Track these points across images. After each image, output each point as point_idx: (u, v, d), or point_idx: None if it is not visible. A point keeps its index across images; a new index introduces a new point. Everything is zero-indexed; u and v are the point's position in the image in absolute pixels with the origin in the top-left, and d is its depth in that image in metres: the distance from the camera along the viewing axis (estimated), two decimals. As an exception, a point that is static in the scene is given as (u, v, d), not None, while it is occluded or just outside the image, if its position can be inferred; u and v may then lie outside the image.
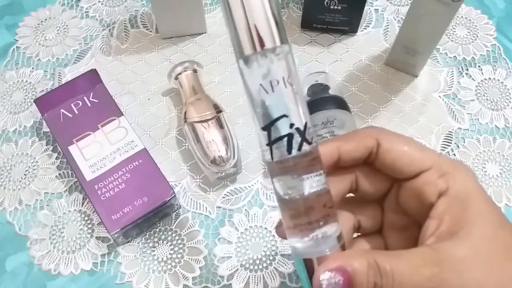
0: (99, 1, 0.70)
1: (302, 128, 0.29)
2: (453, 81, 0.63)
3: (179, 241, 0.53)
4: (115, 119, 0.56)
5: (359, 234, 0.38)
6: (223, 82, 0.63)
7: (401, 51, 0.60)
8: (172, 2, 0.61)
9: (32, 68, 0.65)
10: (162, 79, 0.63)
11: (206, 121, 0.54)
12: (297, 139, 0.29)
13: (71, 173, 0.56)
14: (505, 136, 0.59)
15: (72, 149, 0.54)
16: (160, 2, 0.61)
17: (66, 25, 0.68)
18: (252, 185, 0.56)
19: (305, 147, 0.29)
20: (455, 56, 0.65)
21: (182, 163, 0.57)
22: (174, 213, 0.54)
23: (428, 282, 0.28)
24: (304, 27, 0.67)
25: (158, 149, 0.58)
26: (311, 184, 0.30)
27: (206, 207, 0.55)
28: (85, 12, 0.70)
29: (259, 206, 0.55)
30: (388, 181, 0.35)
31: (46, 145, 0.59)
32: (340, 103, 0.55)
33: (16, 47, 0.67)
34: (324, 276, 0.28)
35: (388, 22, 0.68)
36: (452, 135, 0.59)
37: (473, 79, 0.64)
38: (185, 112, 0.56)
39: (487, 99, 0.62)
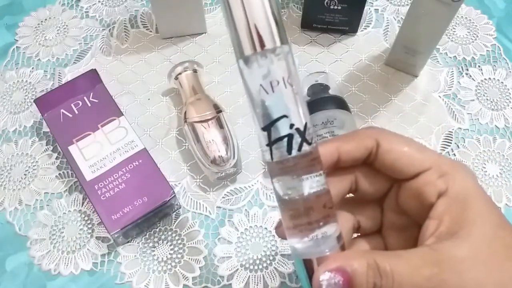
0: (99, 1, 0.70)
1: (302, 129, 0.29)
2: (453, 81, 0.63)
3: (179, 241, 0.53)
4: (115, 119, 0.56)
5: (359, 234, 0.38)
6: (223, 82, 0.63)
7: (401, 51, 0.60)
8: (172, 2, 0.61)
9: (32, 68, 0.65)
10: (162, 79, 0.63)
11: (206, 121, 0.54)
12: (297, 139, 0.29)
13: (71, 173, 0.56)
14: (505, 136, 0.59)
15: (72, 149, 0.54)
16: (160, 2, 0.61)
17: (66, 25, 0.69)
18: (252, 185, 0.56)
19: (305, 147, 0.29)
20: (455, 56, 0.65)
21: (182, 163, 0.57)
22: (174, 213, 0.54)
23: (427, 282, 0.28)
24: (304, 27, 0.67)
25: (158, 149, 0.58)
26: (311, 184, 0.30)
27: (206, 207, 0.55)
28: (85, 12, 0.70)
29: (259, 206, 0.55)
30: (388, 182, 0.35)
31: (46, 145, 0.59)
32: (340, 103, 0.55)
33: (16, 47, 0.67)
34: (324, 276, 0.28)
35: (388, 22, 0.68)
36: (452, 135, 0.59)
37: (473, 79, 0.64)
38: (185, 112, 0.56)
39: (487, 99, 0.62)
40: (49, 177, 0.57)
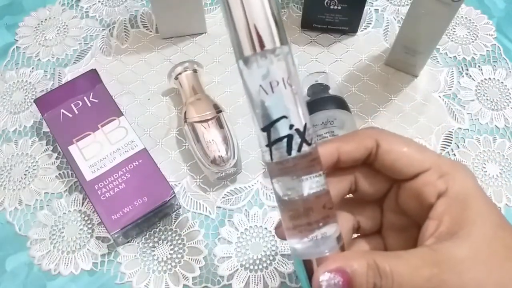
0: (99, 1, 0.70)
1: (301, 129, 0.29)
2: (453, 81, 0.63)
3: (179, 241, 0.53)
4: (115, 119, 0.56)
5: (359, 234, 0.38)
6: (223, 82, 0.63)
7: (401, 51, 0.60)
8: (172, 2, 0.61)
9: (32, 68, 0.65)
10: (162, 79, 0.63)
11: (206, 121, 0.54)
12: (296, 140, 0.29)
13: (71, 173, 0.56)
14: (505, 136, 0.59)
15: (72, 149, 0.54)
16: (160, 2, 0.61)
17: (66, 25, 0.69)
18: (252, 185, 0.56)
19: (305, 148, 0.29)
20: (455, 56, 0.65)
21: (182, 163, 0.58)
22: (174, 213, 0.54)
23: (427, 283, 0.28)
24: (304, 27, 0.67)
25: (158, 149, 0.58)
26: (311, 185, 0.30)
27: (206, 207, 0.55)
28: (85, 12, 0.70)
29: (259, 206, 0.55)
30: (388, 182, 0.35)
31: (46, 145, 0.59)
32: (340, 103, 0.55)
33: (16, 47, 0.67)
34: (324, 277, 0.28)
35: (388, 22, 0.68)
36: (452, 135, 0.59)
37: (473, 79, 0.64)
38: (185, 112, 0.56)
39: (487, 99, 0.62)
40: (49, 177, 0.57)
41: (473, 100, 0.62)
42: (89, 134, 0.55)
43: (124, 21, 0.69)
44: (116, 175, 0.52)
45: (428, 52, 0.59)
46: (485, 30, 0.68)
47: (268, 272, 0.51)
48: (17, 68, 0.65)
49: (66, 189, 0.56)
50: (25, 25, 0.68)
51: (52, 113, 0.56)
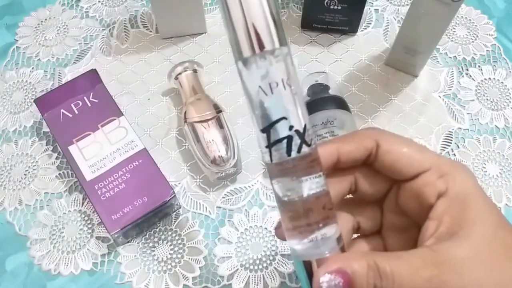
0: (99, 1, 0.70)
1: (301, 130, 0.29)
2: (453, 81, 0.63)
3: (179, 241, 0.53)
4: (115, 119, 0.56)
5: (358, 235, 0.38)
6: (223, 82, 0.63)
7: (401, 51, 0.60)
8: (172, 2, 0.61)
9: (32, 68, 0.65)
10: (162, 79, 0.63)
11: (206, 121, 0.54)
12: (296, 141, 0.29)
13: (71, 173, 0.56)
14: (505, 136, 0.59)
15: (72, 149, 0.54)
16: (160, 2, 0.61)
17: (66, 25, 0.69)
18: (252, 185, 0.56)
19: (304, 149, 0.29)
20: (455, 56, 0.65)
21: (182, 163, 0.58)
22: (174, 213, 0.54)
23: (427, 283, 0.28)
24: (304, 27, 0.67)
25: (158, 149, 0.58)
26: (310, 186, 0.30)
27: (206, 207, 0.55)
28: (85, 12, 0.70)
29: (259, 206, 0.55)
30: (388, 182, 0.35)
31: (46, 145, 0.59)
32: (340, 103, 0.55)
33: (16, 47, 0.67)
34: (324, 278, 0.28)
35: (388, 22, 0.68)
36: (452, 135, 0.59)
37: (473, 79, 0.64)
38: (185, 112, 0.56)
39: (487, 99, 0.62)
40: (49, 177, 0.57)
41: (473, 100, 0.62)
42: (89, 134, 0.55)
43: (124, 21, 0.69)
44: (116, 175, 0.52)
45: (428, 52, 0.59)
46: (485, 30, 0.68)
47: (268, 272, 0.51)
48: (17, 68, 0.65)
49: (66, 189, 0.56)
50: (25, 25, 0.68)
51: (52, 113, 0.56)
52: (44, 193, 0.56)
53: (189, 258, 0.52)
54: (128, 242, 0.53)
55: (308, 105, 0.55)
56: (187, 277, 0.51)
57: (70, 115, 0.56)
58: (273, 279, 0.51)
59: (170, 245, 0.53)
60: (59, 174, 0.57)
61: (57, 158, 0.58)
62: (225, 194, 0.56)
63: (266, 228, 0.53)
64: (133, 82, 0.63)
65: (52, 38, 0.67)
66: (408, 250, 0.30)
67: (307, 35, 0.67)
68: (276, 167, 0.30)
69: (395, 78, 0.63)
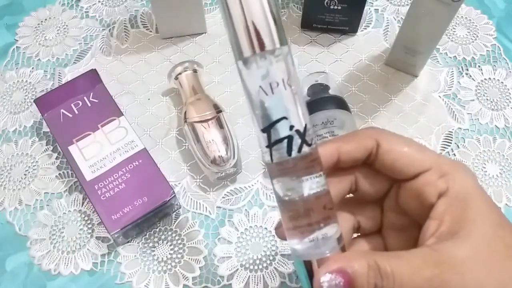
0: (99, 1, 0.70)
1: (302, 130, 0.29)
2: (453, 81, 0.63)
3: (179, 241, 0.53)
4: (115, 119, 0.56)
5: (359, 234, 0.38)
6: (223, 82, 0.63)
7: (401, 51, 0.60)
8: (172, 2, 0.61)
9: (32, 68, 0.65)
10: (162, 79, 0.63)
11: (206, 121, 0.54)
12: (297, 141, 0.29)
13: (71, 173, 0.56)
14: (505, 136, 0.59)
15: (72, 149, 0.54)
16: (160, 2, 0.61)
17: (66, 25, 0.68)
18: (252, 185, 0.56)
19: (305, 149, 0.29)
20: (455, 56, 0.65)
21: (182, 163, 0.57)
22: (174, 213, 0.54)
23: (428, 283, 0.28)
24: (304, 27, 0.67)
25: (158, 149, 0.58)
26: (311, 185, 0.30)
27: (206, 207, 0.55)
28: (85, 12, 0.70)
29: (259, 206, 0.55)
30: (388, 182, 0.35)
31: (46, 145, 0.59)
32: (340, 103, 0.55)
33: (16, 47, 0.67)
34: (325, 278, 0.28)
35: (388, 22, 0.68)
36: (452, 135, 0.59)
37: (473, 79, 0.64)
38: (185, 112, 0.56)
39: (487, 99, 0.62)
40: (49, 177, 0.57)
41: (473, 100, 0.62)
42: (89, 134, 0.55)
43: (124, 21, 0.69)
44: (116, 175, 0.52)
45: (428, 52, 0.59)
46: (485, 30, 0.68)
47: (268, 272, 0.51)
48: (17, 68, 0.65)
49: (66, 189, 0.56)
50: (25, 25, 0.68)
51: (52, 113, 0.56)
52: (44, 193, 0.56)
53: (189, 258, 0.52)
54: (128, 242, 0.53)
55: (308, 105, 0.55)
56: (187, 277, 0.51)
57: (70, 115, 0.56)
58: (273, 279, 0.51)
59: (170, 245, 0.53)
60: (59, 174, 0.57)
61: (57, 158, 0.58)
62: (225, 194, 0.56)
63: (266, 228, 0.53)
64: (133, 82, 0.63)
65: (52, 38, 0.67)
66: (408, 250, 0.30)
67: (307, 35, 0.67)
68: (277, 167, 0.30)
69: (395, 78, 0.63)
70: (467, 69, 0.64)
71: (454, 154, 0.58)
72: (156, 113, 0.61)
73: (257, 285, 0.51)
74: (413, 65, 0.61)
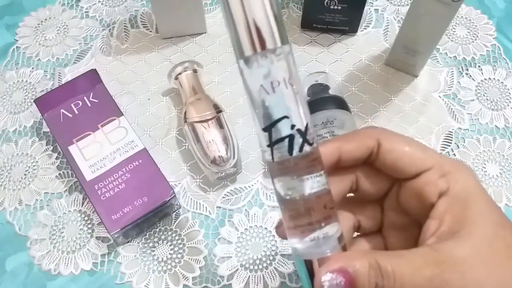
0: (99, 1, 0.70)
1: (303, 129, 0.29)
2: (453, 81, 0.63)
3: (179, 241, 0.53)
4: (115, 119, 0.56)
5: (359, 233, 0.38)
6: (223, 82, 0.63)
7: (401, 51, 0.60)
8: (172, 2, 0.61)
9: (32, 68, 0.65)
10: (162, 79, 0.63)
11: (206, 121, 0.54)
12: (298, 140, 0.29)
13: (71, 173, 0.56)
14: (505, 136, 0.59)
15: (72, 149, 0.54)
16: (160, 2, 0.61)
17: (66, 25, 0.68)
18: (252, 185, 0.56)
19: (306, 148, 0.29)
20: (455, 56, 0.65)
21: (182, 163, 0.57)
22: (174, 213, 0.54)
23: (429, 282, 0.28)
24: (304, 27, 0.67)
25: (158, 149, 0.58)
26: (312, 184, 0.30)
27: (206, 207, 0.55)
28: (85, 12, 0.70)
29: (259, 206, 0.55)
30: (389, 181, 0.35)
31: (46, 145, 0.59)
32: (340, 103, 0.55)
33: (16, 47, 0.67)
34: (326, 277, 0.28)
35: (388, 22, 0.68)
36: (452, 135, 0.59)
37: (473, 79, 0.64)
38: (185, 112, 0.56)
39: (487, 99, 0.62)
40: (49, 177, 0.57)
41: (473, 100, 0.62)
42: (89, 134, 0.55)
43: (124, 21, 0.68)
44: (116, 175, 0.52)
45: (428, 52, 0.59)
46: (485, 30, 0.68)
47: (268, 272, 0.51)
48: (17, 68, 0.65)
49: (66, 189, 0.56)
50: (25, 25, 0.68)
51: (52, 113, 0.56)
52: (44, 193, 0.56)
53: (189, 258, 0.52)
54: (128, 242, 0.53)
55: (308, 105, 0.54)
56: (187, 277, 0.51)
57: (70, 115, 0.56)
58: (273, 279, 0.51)
59: (170, 245, 0.53)
60: (59, 174, 0.57)
61: (57, 158, 0.58)
62: (225, 194, 0.56)
63: (266, 228, 0.53)
64: (133, 82, 0.63)
65: (52, 38, 0.67)
66: (409, 249, 0.30)
67: (307, 35, 0.67)
68: (278, 166, 0.30)
69: (395, 78, 0.63)
70: (467, 69, 0.64)
71: (454, 154, 0.58)
72: (156, 113, 0.61)
73: (257, 285, 0.51)
74: (413, 65, 0.61)
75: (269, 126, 0.29)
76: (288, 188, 0.30)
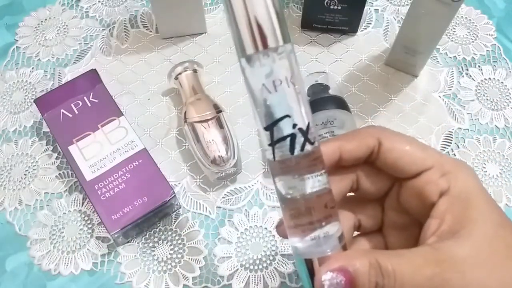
0: (99, 1, 0.70)
1: (304, 129, 0.29)
2: (453, 81, 0.63)
3: (179, 241, 0.53)
4: (115, 119, 0.56)
5: (359, 233, 0.38)
6: (223, 82, 0.63)
7: (401, 51, 0.60)
8: (172, 2, 0.61)
9: (32, 68, 0.65)
10: (162, 79, 0.63)
11: (206, 121, 0.54)
12: (299, 139, 0.29)
13: (71, 173, 0.56)
14: (505, 136, 0.59)
15: (72, 149, 0.54)
16: (160, 2, 0.61)
17: (66, 25, 0.68)
18: (252, 185, 0.56)
19: (308, 147, 0.29)
20: (455, 56, 0.65)
21: (182, 163, 0.57)
22: (174, 213, 0.54)
23: (429, 281, 0.28)
24: (304, 27, 0.67)
25: (158, 149, 0.58)
26: (313, 184, 0.30)
27: (206, 207, 0.55)
28: (85, 12, 0.70)
29: (259, 206, 0.55)
30: (389, 180, 0.35)
31: (46, 145, 0.59)
32: (340, 103, 0.55)
33: (16, 47, 0.67)
34: (326, 276, 0.28)
35: (388, 22, 0.68)
36: (452, 135, 0.59)
37: (473, 79, 0.64)
38: (185, 112, 0.56)
39: (487, 99, 0.62)
40: (49, 177, 0.57)
41: (473, 100, 0.62)
42: (89, 134, 0.55)
43: (124, 21, 0.68)
44: (116, 175, 0.52)
45: (428, 52, 0.59)
46: (485, 30, 0.68)
47: (268, 272, 0.51)
48: (17, 68, 0.65)
49: (66, 189, 0.56)
50: (25, 25, 0.68)
51: (52, 113, 0.56)
52: (44, 193, 0.56)
53: (189, 258, 0.52)
54: (128, 242, 0.53)
55: (308, 105, 0.55)
56: (187, 277, 0.51)
57: (70, 115, 0.56)
58: (273, 279, 0.51)
59: (170, 245, 0.53)
60: (59, 174, 0.57)
61: (57, 158, 0.58)
62: (225, 194, 0.56)
63: (266, 228, 0.53)
64: (133, 82, 0.63)
65: (52, 38, 0.67)
66: (409, 249, 0.30)
67: (307, 35, 0.67)
68: (279, 165, 0.30)
69: (395, 78, 0.63)
70: (467, 69, 0.64)
71: (454, 154, 0.58)
72: (156, 113, 0.61)
73: (257, 285, 0.51)
74: (413, 65, 0.61)
75: (271, 125, 0.29)
76: (289, 187, 0.30)
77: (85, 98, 0.57)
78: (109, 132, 0.55)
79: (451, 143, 0.59)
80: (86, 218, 0.54)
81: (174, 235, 0.53)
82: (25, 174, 0.57)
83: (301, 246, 0.31)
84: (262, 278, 0.51)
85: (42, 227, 0.54)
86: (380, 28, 0.68)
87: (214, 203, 0.55)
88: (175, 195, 0.51)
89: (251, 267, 0.51)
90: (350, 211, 0.37)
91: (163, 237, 0.53)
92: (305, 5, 0.64)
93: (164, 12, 0.62)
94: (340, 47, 0.66)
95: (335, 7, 0.62)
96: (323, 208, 0.30)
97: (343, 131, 0.52)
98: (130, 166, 0.53)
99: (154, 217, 0.52)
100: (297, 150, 0.29)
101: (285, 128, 0.29)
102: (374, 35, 0.67)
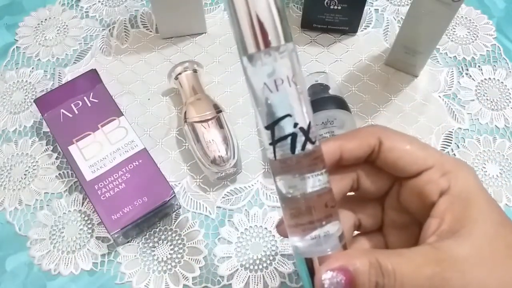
0: (99, 1, 0.70)
1: (306, 128, 0.29)
2: (453, 81, 0.63)
3: (179, 241, 0.53)
4: (115, 119, 0.56)
5: (359, 232, 0.38)
6: (223, 82, 0.63)
7: (401, 51, 0.60)
8: (172, 2, 0.61)
9: (32, 68, 0.65)
10: (162, 79, 0.63)
11: (206, 121, 0.54)
12: (300, 138, 0.29)
13: (71, 173, 0.56)
14: (505, 136, 0.59)
15: (72, 149, 0.54)
16: (160, 2, 0.61)
17: (66, 25, 0.68)
18: (252, 185, 0.56)
19: (309, 146, 0.29)
20: (455, 56, 0.65)
21: (182, 163, 0.57)
22: (174, 213, 0.54)
23: (429, 281, 0.28)
24: (304, 27, 0.67)
25: (158, 149, 0.58)
26: (313, 183, 0.30)
27: (206, 207, 0.55)
28: (85, 12, 0.70)
29: (259, 206, 0.55)
30: (390, 180, 0.35)
31: (46, 145, 0.59)
32: (340, 103, 0.55)
33: (16, 47, 0.67)
34: (326, 275, 0.28)
35: (388, 22, 0.68)
36: (452, 135, 0.59)
37: (473, 79, 0.64)
38: (185, 112, 0.56)
39: (487, 99, 0.62)
40: (49, 177, 0.57)
41: (473, 100, 0.62)
42: (89, 134, 0.55)
43: (124, 21, 0.68)
44: (116, 175, 0.52)
45: (428, 52, 0.59)
46: (485, 30, 0.68)
47: (268, 272, 0.51)
48: (17, 68, 0.65)
49: (66, 189, 0.56)
50: (25, 25, 0.68)
51: (52, 113, 0.56)
52: (44, 193, 0.56)
53: (189, 258, 0.52)
54: (128, 242, 0.53)
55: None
56: (187, 277, 0.51)
57: (70, 115, 0.56)
58: (273, 279, 0.51)
59: (170, 245, 0.53)
60: (59, 174, 0.57)
61: (57, 158, 0.58)
62: (225, 194, 0.56)
63: (266, 228, 0.53)
64: (133, 82, 0.63)
65: (52, 38, 0.67)
66: (409, 248, 0.30)
67: (307, 35, 0.67)
68: (280, 164, 0.30)
69: (395, 78, 0.63)
70: (467, 69, 0.64)
71: (454, 154, 0.58)
72: (156, 113, 0.61)
73: (257, 285, 0.51)
74: (413, 65, 0.61)
75: (272, 124, 0.29)
76: (289, 186, 0.30)
77: (85, 98, 0.57)
78: (109, 132, 0.55)
79: (451, 143, 0.59)
80: (86, 218, 0.54)
81: (174, 235, 0.53)
82: (25, 174, 0.57)
83: (301, 245, 0.31)
84: (262, 278, 0.51)
85: (42, 227, 0.54)
86: (380, 28, 0.68)
87: (214, 203, 0.55)
88: (175, 195, 0.51)
89: (251, 267, 0.51)
90: (350, 210, 0.37)
91: (163, 237, 0.53)
92: (305, 5, 0.64)
93: (164, 12, 0.62)
94: (340, 47, 0.66)
95: (335, 7, 0.62)
96: (324, 207, 0.30)
97: (343, 131, 0.52)
98: (130, 166, 0.53)
99: (154, 217, 0.52)
100: (298, 149, 0.29)
101: (286, 127, 0.29)
102: (374, 35, 0.67)
